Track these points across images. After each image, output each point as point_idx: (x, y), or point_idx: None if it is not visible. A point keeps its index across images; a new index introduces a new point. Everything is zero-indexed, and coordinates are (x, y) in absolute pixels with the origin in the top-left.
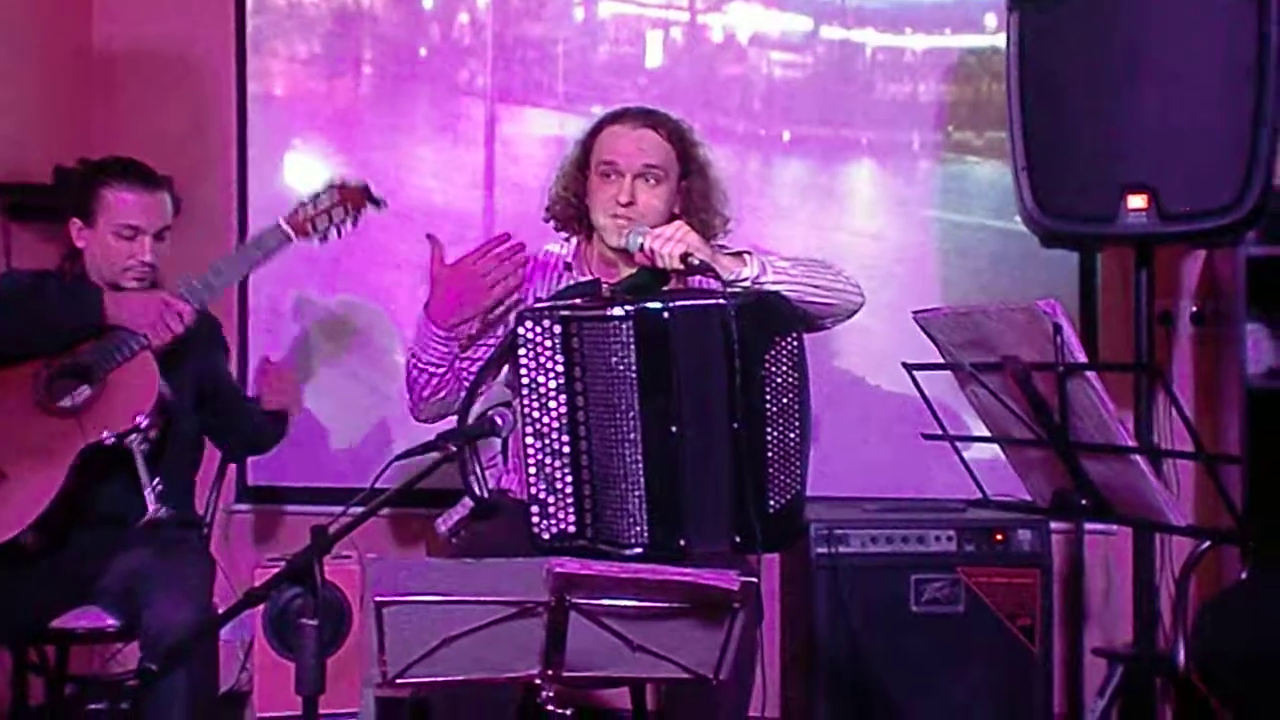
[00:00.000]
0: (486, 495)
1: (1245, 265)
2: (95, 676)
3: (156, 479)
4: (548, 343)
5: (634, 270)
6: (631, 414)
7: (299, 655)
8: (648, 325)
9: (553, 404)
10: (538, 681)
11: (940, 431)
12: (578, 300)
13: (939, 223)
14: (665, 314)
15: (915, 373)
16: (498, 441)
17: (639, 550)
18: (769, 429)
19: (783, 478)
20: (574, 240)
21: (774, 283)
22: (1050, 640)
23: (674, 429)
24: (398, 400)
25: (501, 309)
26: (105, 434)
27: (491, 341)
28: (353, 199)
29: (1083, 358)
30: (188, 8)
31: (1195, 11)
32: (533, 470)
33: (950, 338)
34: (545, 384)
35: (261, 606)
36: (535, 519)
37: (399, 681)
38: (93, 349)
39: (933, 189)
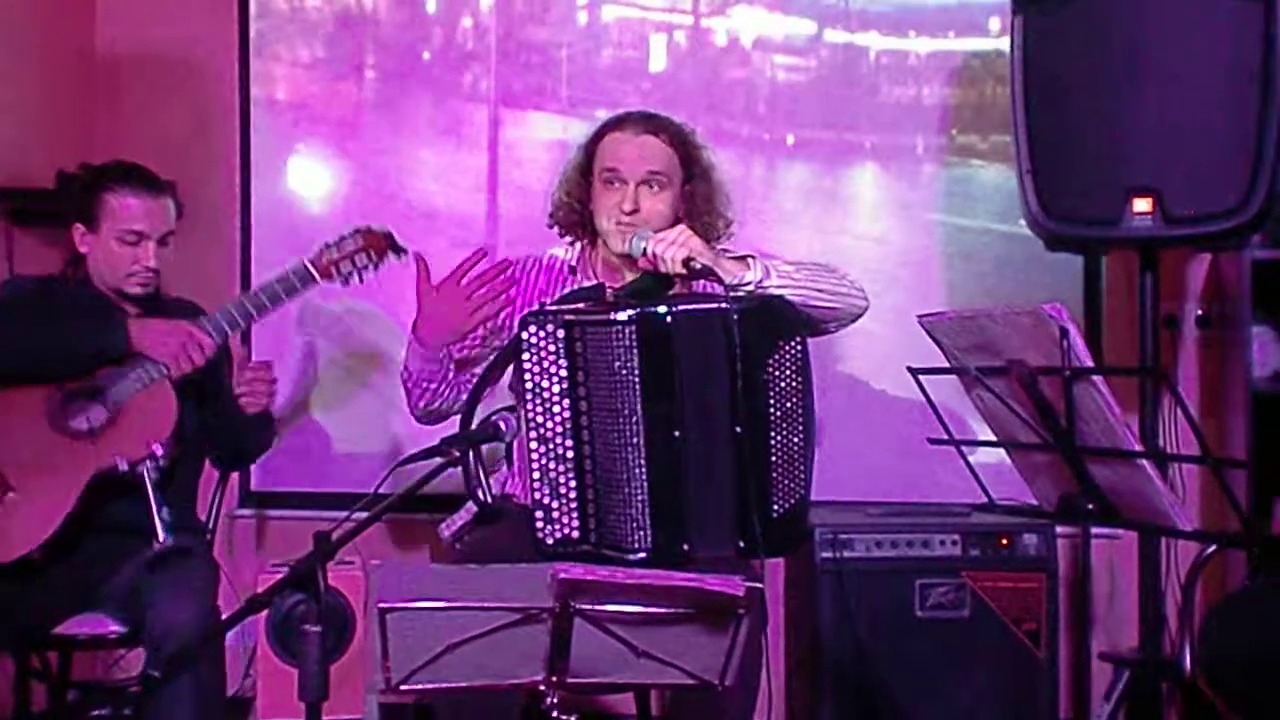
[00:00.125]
0: (490, 500)
1: (1250, 268)
2: (98, 682)
3: (165, 508)
4: (551, 347)
5: (638, 275)
6: (635, 418)
7: (302, 661)
8: (650, 329)
9: (556, 408)
10: (542, 688)
11: (946, 436)
12: (581, 305)
13: (943, 226)
14: (668, 318)
15: (920, 377)
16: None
17: (643, 555)
18: (773, 433)
19: (787, 482)
20: (578, 245)
21: (778, 287)
22: (1056, 645)
23: (677, 433)
24: (401, 405)
25: (486, 329)
26: (120, 461)
27: (496, 345)
28: (376, 245)
29: (1089, 362)
30: (191, 12)
31: (1201, 14)
32: (536, 475)
33: (955, 342)
34: (549, 388)
35: (265, 612)
36: (539, 524)
37: (403, 688)
38: (111, 374)
39: (937, 192)
